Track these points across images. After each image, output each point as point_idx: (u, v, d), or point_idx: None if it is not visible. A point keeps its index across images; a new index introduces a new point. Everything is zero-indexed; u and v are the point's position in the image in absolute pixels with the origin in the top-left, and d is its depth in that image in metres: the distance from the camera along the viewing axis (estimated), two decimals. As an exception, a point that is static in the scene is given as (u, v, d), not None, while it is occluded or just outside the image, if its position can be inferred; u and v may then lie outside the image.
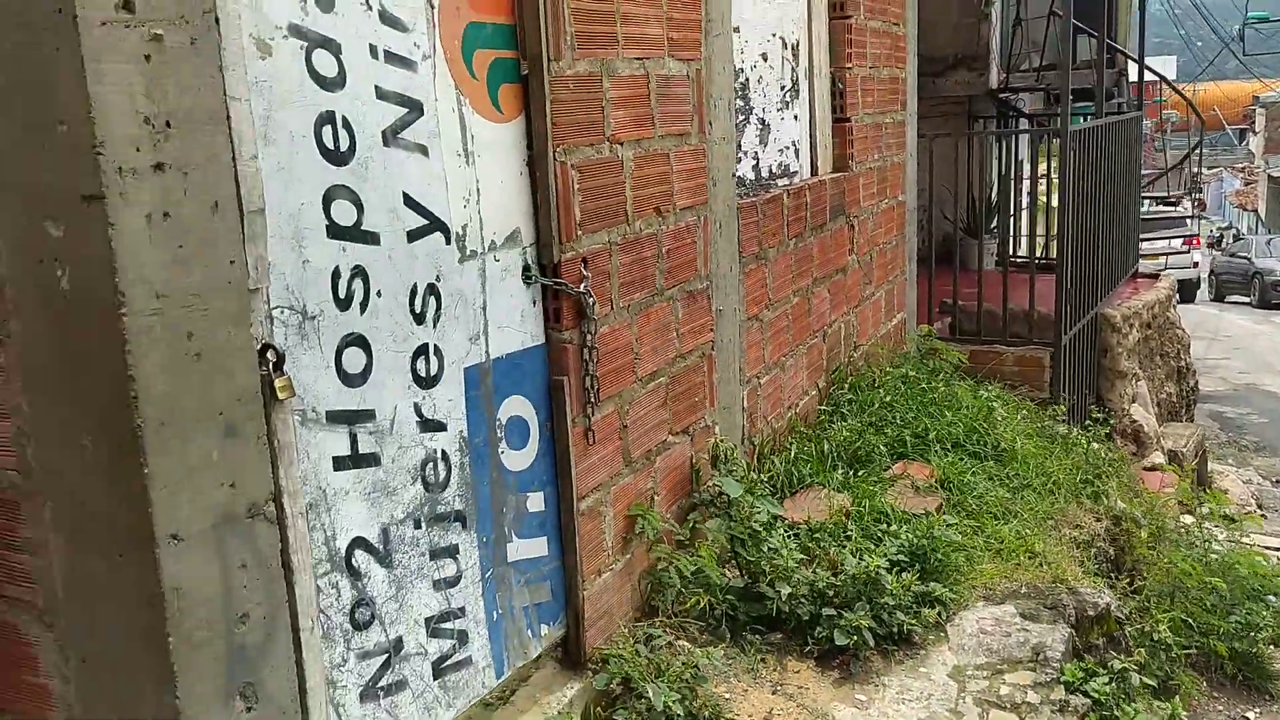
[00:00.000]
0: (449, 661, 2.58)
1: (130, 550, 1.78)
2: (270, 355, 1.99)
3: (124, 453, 1.74)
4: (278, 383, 1.98)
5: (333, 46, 2.18)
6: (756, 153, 4.30)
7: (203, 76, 1.80)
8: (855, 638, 3.18)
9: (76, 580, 1.85)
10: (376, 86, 2.30)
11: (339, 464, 2.25)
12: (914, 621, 3.31)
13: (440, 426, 2.55)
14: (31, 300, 1.76)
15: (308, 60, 2.13)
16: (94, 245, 1.68)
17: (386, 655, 2.38)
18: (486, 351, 2.69)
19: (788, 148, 4.61)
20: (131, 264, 1.69)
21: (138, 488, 1.75)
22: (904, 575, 3.39)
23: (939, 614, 3.42)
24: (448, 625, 2.58)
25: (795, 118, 4.68)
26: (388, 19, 2.33)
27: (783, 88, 4.53)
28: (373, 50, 2.29)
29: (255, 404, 1.93)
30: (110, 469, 1.76)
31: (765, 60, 4.34)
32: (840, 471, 4.15)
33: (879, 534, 3.63)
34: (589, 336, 2.93)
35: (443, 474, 2.56)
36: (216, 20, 1.83)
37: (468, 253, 2.60)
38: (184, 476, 1.80)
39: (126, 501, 1.76)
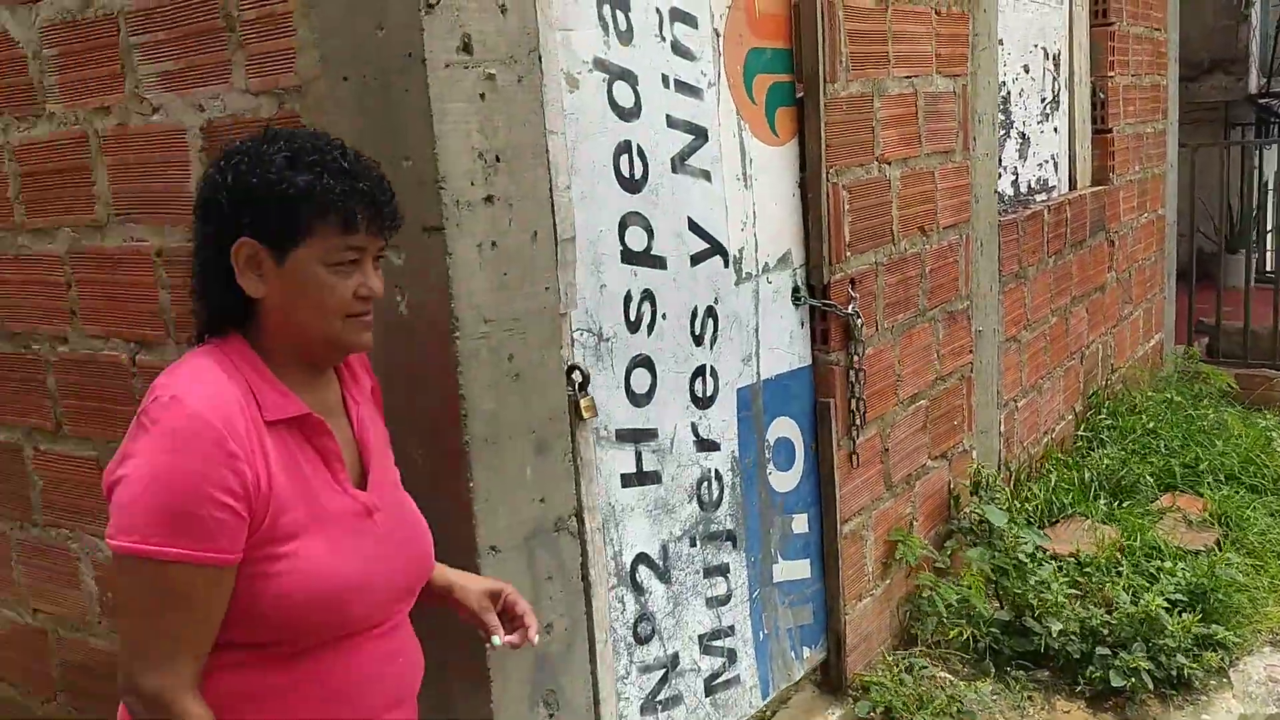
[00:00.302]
0: (719, 679, 2.61)
1: (453, 559, 1.88)
2: (576, 376, 2.07)
3: (451, 466, 1.85)
4: (582, 402, 2.06)
5: (630, 78, 2.26)
6: (1016, 167, 4.16)
7: (527, 112, 1.89)
8: (1132, 679, 3.02)
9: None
10: (667, 115, 2.36)
11: (626, 481, 2.32)
12: (1195, 665, 3.11)
13: (714, 446, 2.58)
14: (378, 322, 1.89)
15: (609, 92, 2.21)
16: (432, 273, 1.79)
17: (664, 670, 2.43)
18: (757, 373, 2.71)
19: (1046, 161, 4.43)
20: (464, 291, 1.80)
21: (463, 500, 1.85)
22: (1184, 616, 3.19)
23: (1221, 659, 3.20)
24: (718, 643, 2.61)
25: (1055, 130, 4.50)
26: (679, 49, 2.38)
27: (1043, 100, 4.37)
28: (665, 80, 2.35)
29: (563, 422, 2.01)
30: (437, 481, 1.87)
31: (1027, 72, 4.19)
32: (1103, 502, 3.95)
33: (1153, 570, 3.43)
34: (856, 358, 2.91)
35: (716, 493, 2.60)
36: (539, 58, 1.92)
37: (743, 275, 2.63)
38: (503, 491, 1.89)
39: (451, 512, 1.87)
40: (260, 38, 1.91)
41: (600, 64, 2.18)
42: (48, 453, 2.53)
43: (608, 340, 2.24)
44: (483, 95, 1.81)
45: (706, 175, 2.49)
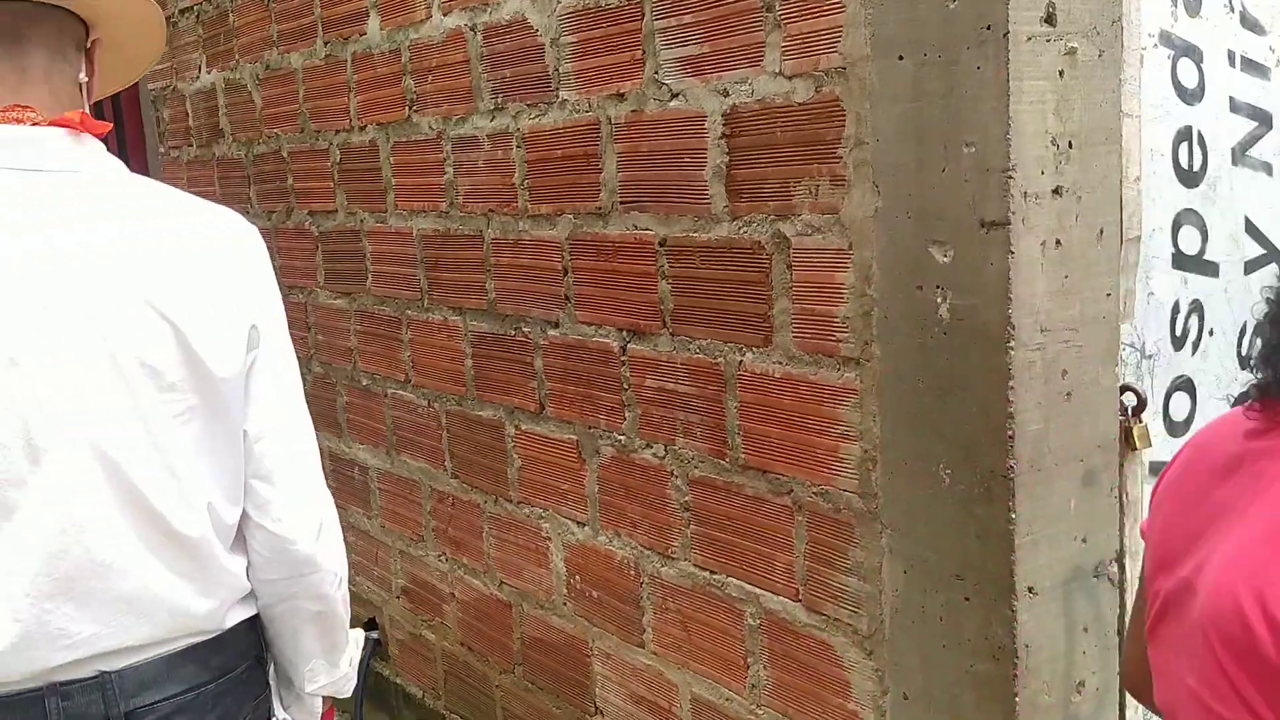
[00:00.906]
0: (1237, 761, 2.23)
1: (980, 595, 1.68)
2: (1129, 398, 1.79)
3: (989, 492, 1.64)
4: (1135, 430, 1.78)
5: (1195, 54, 1.94)
6: None
7: (1104, 92, 1.65)
8: None
9: (907, 614, 1.79)
10: (1230, 98, 2.01)
11: (1154, 522, 2.01)
12: None
13: (1248, 488, 2.20)
14: (901, 326, 1.73)
15: (1172, 70, 1.90)
16: (987, 274, 1.59)
17: (1179, 743, 2.10)
18: (1302, 404, 2.28)
19: None
20: (1024, 294, 1.58)
21: (1000, 531, 1.64)
22: None
23: None
24: None
25: None
26: (1248, 22, 2.03)
27: None
28: (1230, 57, 2.01)
29: (1112, 451, 1.74)
30: (967, 507, 1.67)
31: None
32: None
33: None
34: None
35: (1246, 543, 2.21)
36: (1121, 30, 1.66)
37: (1297, 288, 2.22)
38: (1045, 525, 1.66)
39: (982, 543, 1.66)
40: (801, 16, 1.79)
41: (1165, 38, 1.88)
42: (528, 432, 2.59)
43: (1150, 357, 1.94)
44: (1061, 72, 1.58)
45: (1268, 169, 2.11)
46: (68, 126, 1.40)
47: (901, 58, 1.65)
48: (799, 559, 1.96)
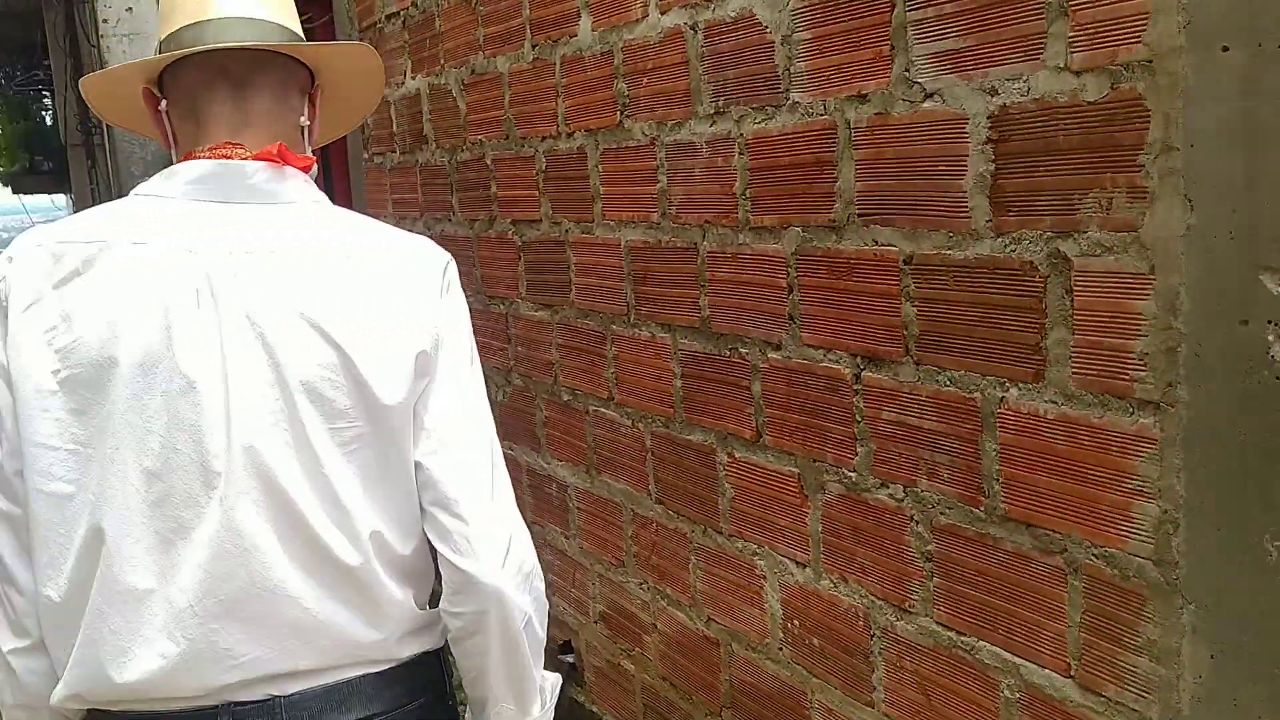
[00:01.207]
0: None
1: (1317, 696, 1.39)
2: None
3: (1335, 574, 1.35)
4: None
5: None
6: None
7: None
8: None
9: (1214, 706, 1.51)
10: None
11: None
12: None
13: None
14: (1218, 367, 1.45)
15: None
16: (1342, 308, 1.30)
17: None
18: None
19: None
20: (1393, 335, 1.29)
21: (1349, 622, 1.34)
22: None
23: None
24: None
25: None
26: None
27: None
28: None
29: None
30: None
31: None
32: None
33: None
34: None
35: None
36: None
37: None
38: (1406, 616, 1.36)
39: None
40: (1095, 2, 1.53)
41: None
42: (742, 461, 2.40)
43: None
44: None
45: None
46: (267, 159, 1.45)
47: (1227, 49, 1.37)
48: (1072, 629, 1.70)
